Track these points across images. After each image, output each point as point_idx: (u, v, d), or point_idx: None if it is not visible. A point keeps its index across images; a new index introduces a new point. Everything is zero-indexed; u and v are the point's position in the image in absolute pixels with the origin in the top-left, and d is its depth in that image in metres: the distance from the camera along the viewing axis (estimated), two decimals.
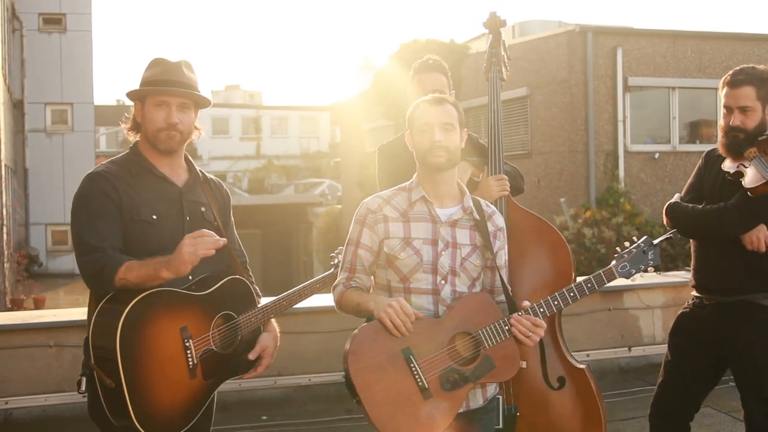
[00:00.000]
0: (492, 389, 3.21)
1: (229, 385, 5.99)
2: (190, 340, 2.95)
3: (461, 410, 3.05)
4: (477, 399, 3.13)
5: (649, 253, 3.34)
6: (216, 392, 3.18)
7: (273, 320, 3.41)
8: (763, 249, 3.75)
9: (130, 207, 3.04)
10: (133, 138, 3.24)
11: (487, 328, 3.03)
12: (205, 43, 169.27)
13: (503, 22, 4.28)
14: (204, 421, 3.19)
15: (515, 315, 3.05)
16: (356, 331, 3.03)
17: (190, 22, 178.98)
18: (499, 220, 3.28)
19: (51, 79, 24.39)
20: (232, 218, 3.49)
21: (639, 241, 3.37)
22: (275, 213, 34.98)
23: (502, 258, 3.26)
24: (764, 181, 3.59)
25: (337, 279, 3.24)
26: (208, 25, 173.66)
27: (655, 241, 3.38)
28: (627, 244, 3.38)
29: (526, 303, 3.12)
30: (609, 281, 3.31)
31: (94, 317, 2.90)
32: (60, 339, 5.87)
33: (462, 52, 17.93)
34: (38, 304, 15.44)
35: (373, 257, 3.15)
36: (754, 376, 3.84)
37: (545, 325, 3.09)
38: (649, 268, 3.36)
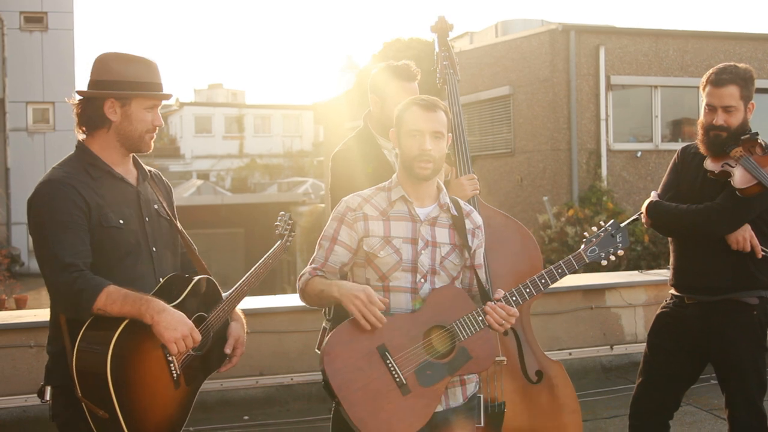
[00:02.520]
0: (472, 387, 3.20)
1: (210, 385, 6.00)
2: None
3: (441, 409, 3.05)
4: (457, 397, 3.13)
5: (618, 236, 3.33)
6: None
7: (237, 308, 3.37)
8: (749, 249, 3.77)
9: (98, 214, 2.96)
10: (82, 136, 3.12)
11: (461, 319, 3.01)
12: (188, 41, 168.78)
13: (451, 26, 4.42)
14: None
15: (490, 303, 3.04)
16: (329, 333, 3.02)
17: (173, 21, 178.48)
18: (477, 219, 3.28)
19: (32, 78, 24.21)
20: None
21: (606, 225, 3.35)
22: (258, 212, 34.76)
23: (480, 256, 3.26)
24: (755, 181, 3.61)
25: (305, 269, 3.21)
26: (191, 23, 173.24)
27: (623, 224, 3.38)
28: (594, 229, 3.37)
29: (500, 292, 3.10)
30: (579, 266, 3.30)
31: (77, 345, 2.77)
32: (40, 339, 5.81)
33: None
34: (20, 304, 15.30)
35: (350, 255, 3.13)
36: (738, 376, 3.84)
37: (518, 313, 3.08)
38: (619, 251, 3.34)
